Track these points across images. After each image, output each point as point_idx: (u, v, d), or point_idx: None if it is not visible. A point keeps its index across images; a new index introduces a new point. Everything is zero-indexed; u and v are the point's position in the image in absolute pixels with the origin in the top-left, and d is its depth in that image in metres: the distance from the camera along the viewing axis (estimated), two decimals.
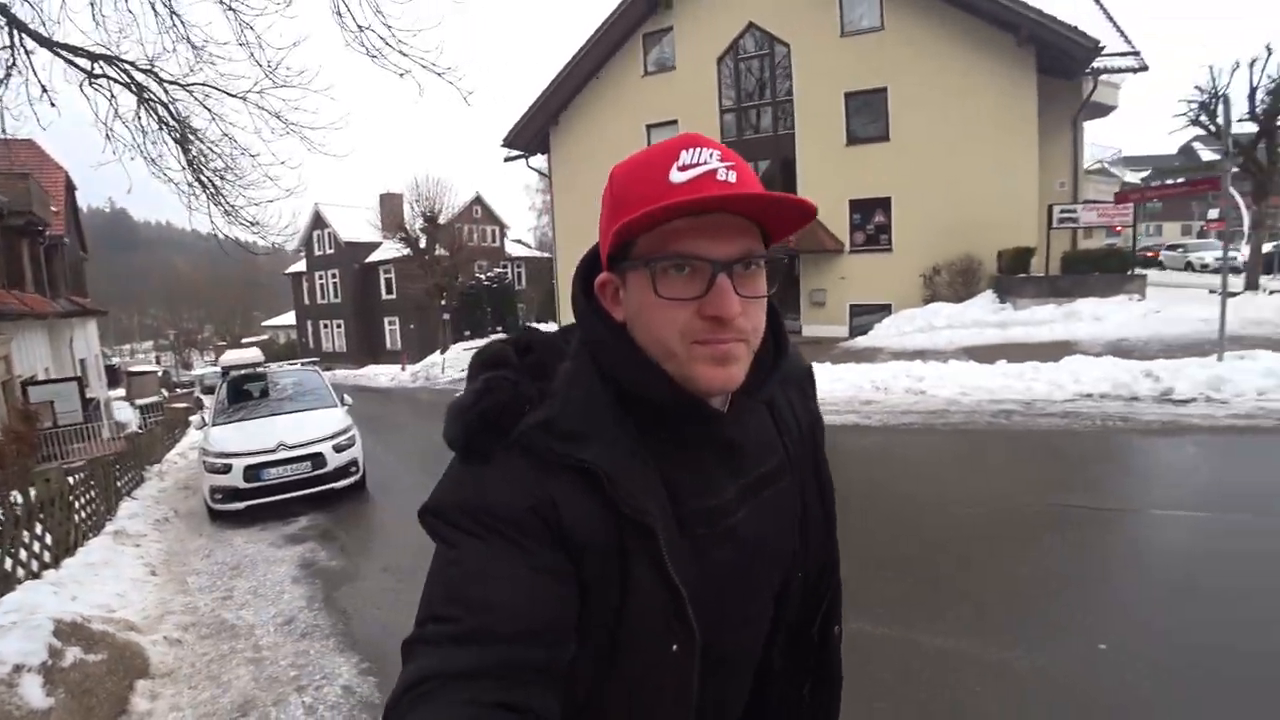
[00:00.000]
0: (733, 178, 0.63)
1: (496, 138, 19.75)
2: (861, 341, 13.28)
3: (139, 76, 5.94)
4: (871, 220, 15.07)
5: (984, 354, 9.70)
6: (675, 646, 0.65)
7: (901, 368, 9.28)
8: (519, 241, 40.52)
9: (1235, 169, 9.91)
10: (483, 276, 31.01)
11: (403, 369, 25.42)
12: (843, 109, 15.10)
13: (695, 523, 0.68)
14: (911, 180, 14.15)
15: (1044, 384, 7.78)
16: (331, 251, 34.19)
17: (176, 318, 63.38)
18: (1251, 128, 12.80)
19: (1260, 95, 12.52)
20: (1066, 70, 13.76)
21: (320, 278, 35.48)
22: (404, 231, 27.83)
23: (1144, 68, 14.37)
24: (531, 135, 19.36)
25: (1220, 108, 9.61)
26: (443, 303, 26.88)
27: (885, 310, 14.31)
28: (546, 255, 30.96)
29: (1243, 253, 15.13)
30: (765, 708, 0.84)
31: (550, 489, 0.62)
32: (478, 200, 34.47)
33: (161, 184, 6.47)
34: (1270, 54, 12.50)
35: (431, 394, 17.57)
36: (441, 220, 27.79)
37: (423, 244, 27.38)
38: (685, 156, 0.63)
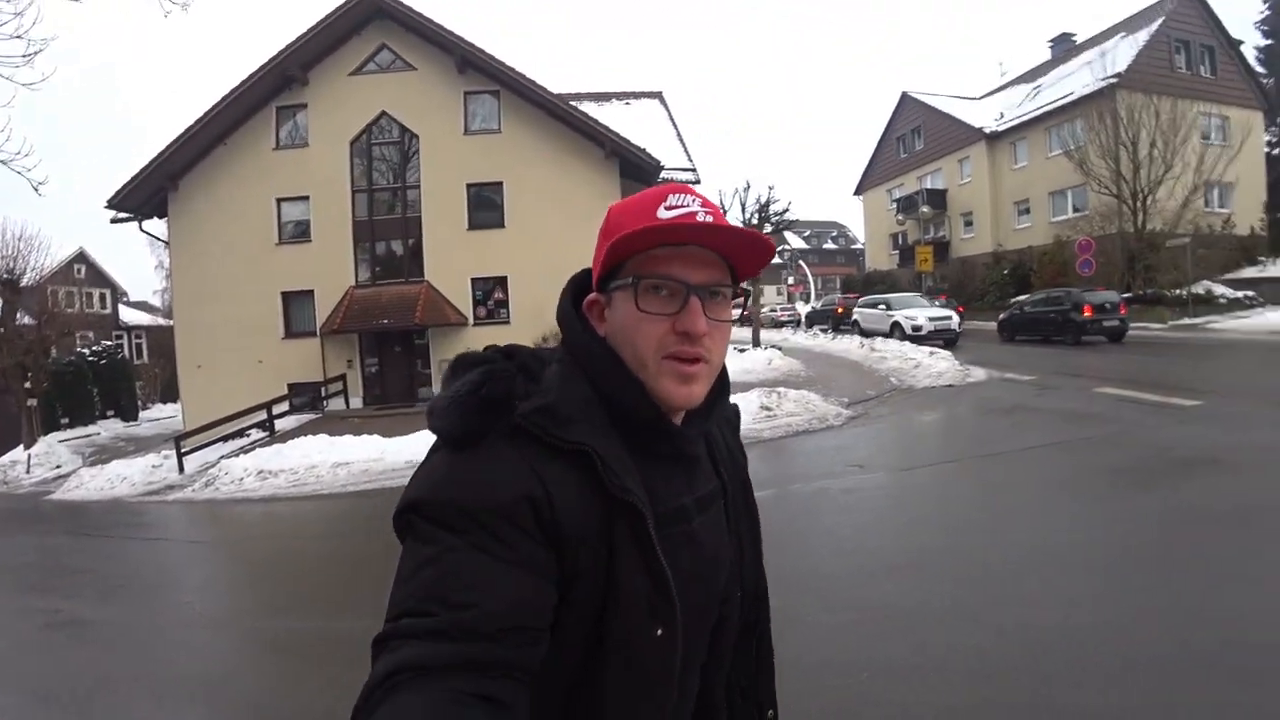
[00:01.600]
0: (709, 218, 0.73)
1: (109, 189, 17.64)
2: None
3: None
4: (491, 296, 17.23)
5: None
6: (660, 630, 0.67)
7: None
8: (141, 305, 35.18)
9: None
10: (86, 350, 26.28)
11: None
12: (465, 197, 17.15)
13: (665, 522, 0.71)
14: (524, 262, 16.60)
15: None
16: None
17: None
18: None
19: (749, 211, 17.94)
20: (642, 177, 17.61)
21: None
22: None
23: (698, 181, 19.14)
24: (145, 198, 17.76)
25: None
26: (27, 385, 22.14)
27: None
28: (173, 323, 27.70)
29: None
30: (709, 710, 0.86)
31: (545, 475, 0.64)
32: (81, 257, 29.60)
33: None
34: (749, 187, 18.23)
35: (6, 501, 14.10)
36: (26, 283, 23.19)
37: None
38: (672, 200, 0.74)
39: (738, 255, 0.75)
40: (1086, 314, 15.48)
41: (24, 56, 4.33)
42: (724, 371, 0.83)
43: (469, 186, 17.13)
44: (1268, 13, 27.96)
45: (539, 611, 0.62)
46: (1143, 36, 25.14)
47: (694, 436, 0.79)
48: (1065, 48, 30.62)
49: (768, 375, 13.35)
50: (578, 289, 0.82)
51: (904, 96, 34.36)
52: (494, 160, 17.00)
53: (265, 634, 4.53)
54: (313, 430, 13.78)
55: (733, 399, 0.91)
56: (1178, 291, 20.09)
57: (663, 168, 17.28)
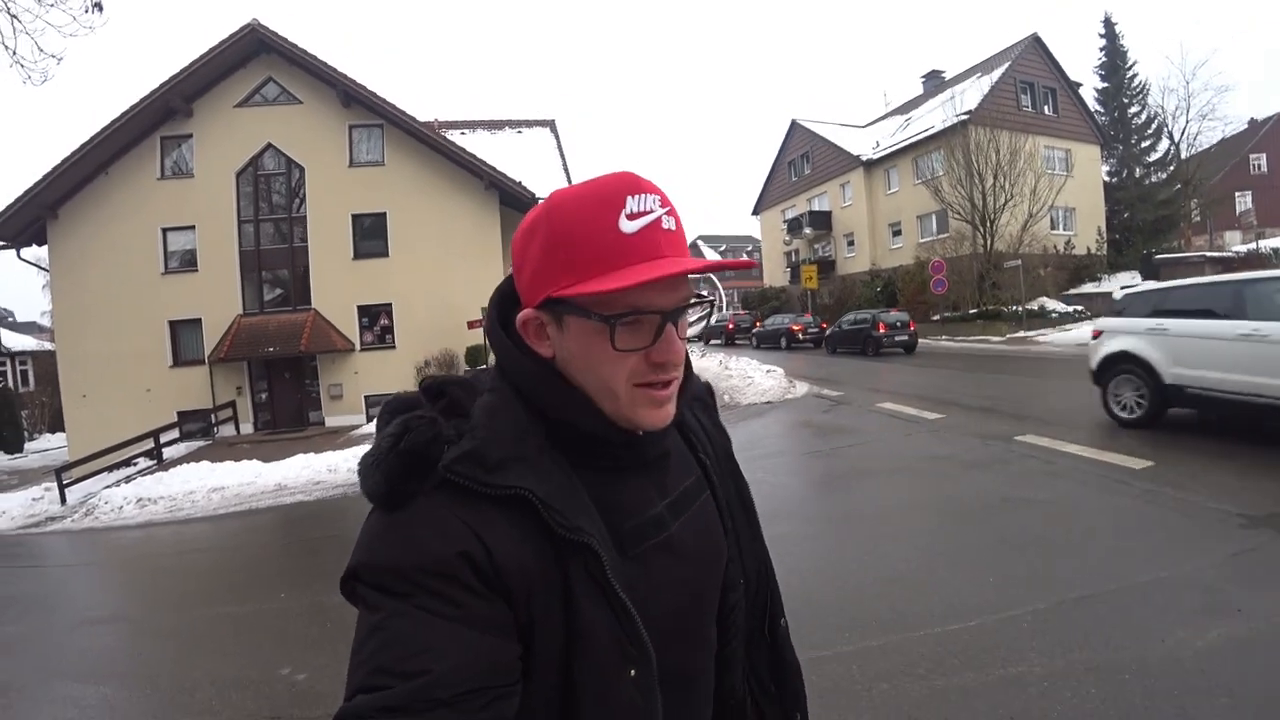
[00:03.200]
0: (672, 224, 0.67)
1: None
2: (374, 427, 15.70)
3: None
4: (377, 323, 18.00)
5: None
6: (633, 671, 0.63)
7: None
8: (29, 327, 33.86)
9: None
10: None
11: None
12: (350, 228, 17.89)
13: (633, 541, 0.68)
14: (408, 289, 17.46)
15: None
16: None
17: None
18: None
19: None
20: (520, 206, 18.64)
21: None
22: None
23: None
24: (22, 226, 17.70)
25: None
26: None
27: None
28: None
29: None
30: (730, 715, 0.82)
31: (479, 527, 0.60)
32: None
33: None
34: None
35: None
36: None
37: None
38: (632, 204, 0.65)
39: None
40: (881, 330, 18.67)
41: None
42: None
43: (354, 217, 17.87)
44: (1104, 58, 31.45)
45: (499, 669, 0.58)
46: (993, 78, 28.05)
47: (657, 438, 0.74)
48: (935, 83, 33.60)
49: None
50: (504, 300, 0.75)
51: (793, 124, 36.83)
52: (378, 192, 17.81)
53: (146, 625, 5.39)
54: (197, 458, 14.24)
55: None
56: (1014, 308, 22.60)
57: (537, 198, 18.45)
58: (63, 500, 13.28)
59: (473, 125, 22.78)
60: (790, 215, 37.10)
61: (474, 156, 17.52)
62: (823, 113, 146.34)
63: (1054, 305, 23.69)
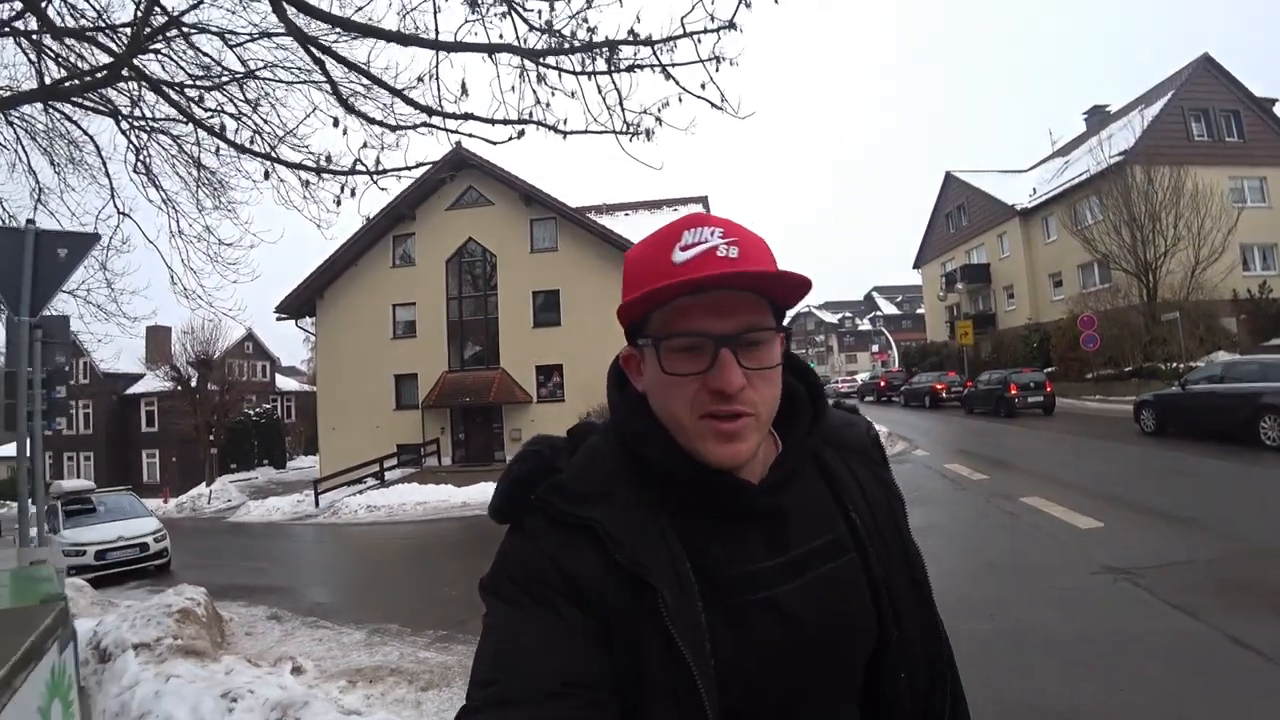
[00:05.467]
0: (734, 253, 0.66)
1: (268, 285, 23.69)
2: None
3: None
4: (550, 380, 21.67)
5: None
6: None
7: None
8: (290, 370, 42.52)
9: None
10: (252, 412, 32.97)
11: (165, 501, 26.55)
12: (530, 302, 21.88)
13: (726, 593, 0.66)
14: (576, 352, 20.92)
15: None
16: (86, 381, 33.85)
17: None
18: None
19: None
20: None
21: (70, 407, 34.69)
22: (174, 370, 29.43)
23: None
24: (301, 304, 23.64)
25: None
26: (211, 437, 28.69)
27: None
28: (315, 389, 33.87)
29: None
30: None
31: (564, 549, 0.65)
32: (250, 336, 36.72)
33: None
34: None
35: (196, 522, 20.27)
36: (214, 360, 29.97)
37: (193, 382, 29.20)
38: (687, 236, 0.67)
39: (771, 288, 0.68)
40: (1012, 392, 18.23)
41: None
42: (817, 391, 0.78)
43: (534, 293, 21.88)
44: None
45: (592, 672, 0.60)
46: (1155, 109, 26.21)
47: (768, 492, 0.70)
48: (1099, 118, 31.88)
49: None
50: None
51: (948, 176, 36.50)
52: (553, 272, 21.68)
53: (365, 573, 9.23)
54: (409, 480, 18.69)
55: None
56: (1173, 364, 21.36)
57: None
58: (316, 504, 18.14)
59: (635, 207, 26.30)
60: (950, 267, 36.54)
61: (627, 239, 20.72)
62: (984, 160, 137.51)
63: (1267, 358, 21.88)
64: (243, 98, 4.75)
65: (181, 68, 4.83)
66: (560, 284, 21.65)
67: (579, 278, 21.32)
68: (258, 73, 4.65)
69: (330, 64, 3.71)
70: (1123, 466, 9.83)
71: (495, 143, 3.77)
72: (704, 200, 26.78)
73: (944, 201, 37.51)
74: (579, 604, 0.63)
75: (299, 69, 4.47)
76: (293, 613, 7.29)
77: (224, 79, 4.70)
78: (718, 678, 0.62)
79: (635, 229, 22.21)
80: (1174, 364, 21.56)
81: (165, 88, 4.57)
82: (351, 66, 3.69)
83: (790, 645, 0.67)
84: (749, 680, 0.65)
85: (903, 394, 28.37)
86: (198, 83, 4.77)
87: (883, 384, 31.76)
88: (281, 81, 4.70)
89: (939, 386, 24.64)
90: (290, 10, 2.92)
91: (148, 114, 5.14)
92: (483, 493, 14.92)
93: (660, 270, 0.66)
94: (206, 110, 4.84)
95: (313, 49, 3.55)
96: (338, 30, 3.55)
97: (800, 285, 0.67)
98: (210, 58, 4.77)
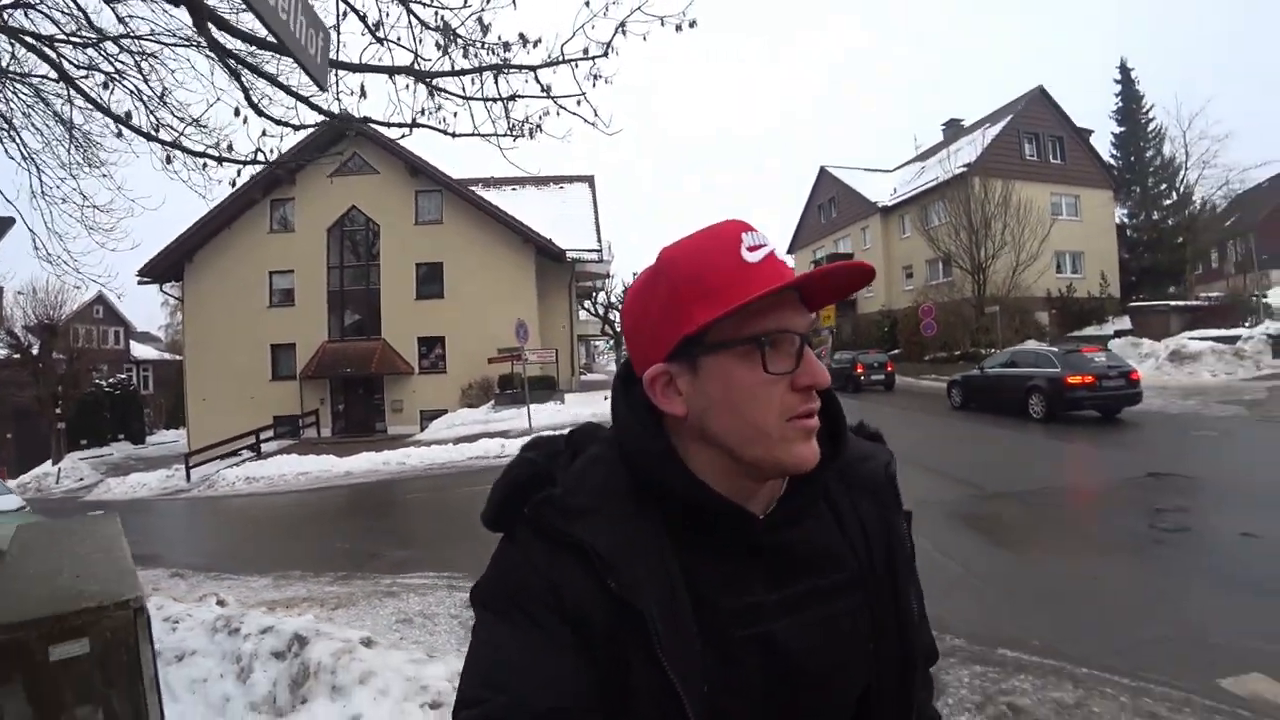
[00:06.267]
0: (789, 260, 1.01)
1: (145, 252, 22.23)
2: (424, 435, 19.49)
3: None
4: (433, 352, 22.03)
5: (466, 437, 16.53)
6: None
7: (422, 451, 15.58)
8: (146, 337, 39.30)
9: None
10: (104, 383, 30.73)
11: (3, 480, 24.49)
12: (414, 273, 22.02)
13: (723, 624, 0.64)
14: (458, 325, 21.38)
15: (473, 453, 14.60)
16: None
17: None
18: None
19: None
20: (552, 257, 22.36)
21: None
22: (11, 336, 27.00)
23: (602, 262, 23.91)
24: (167, 268, 22.46)
25: None
26: (58, 411, 26.63)
27: (443, 413, 20.85)
28: (179, 358, 31.41)
29: None
30: None
31: (555, 566, 0.63)
32: (100, 299, 33.50)
33: None
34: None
35: (45, 504, 18.75)
36: (59, 325, 27.66)
37: (35, 351, 26.94)
38: (748, 239, 0.66)
39: (812, 291, 0.68)
40: (859, 370, 20.59)
41: None
42: (838, 419, 0.74)
43: (417, 265, 22.03)
44: (1120, 104, 32.96)
45: (580, 694, 0.59)
46: (995, 130, 30.01)
47: (773, 527, 0.68)
48: (954, 130, 35.65)
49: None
50: (627, 369, 0.74)
51: (822, 171, 39.45)
52: (437, 244, 21.92)
53: (251, 541, 9.45)
54: (288, 452, 18.50)
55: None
56: (992, 350, 24.72)
57: (565, 252, 22.09)
58: (188, 478, 17.67)
59: (523, 182, 26.69)
60: (819, 255, 39.49)
61: (511, 217, 21.37)
62: (859, 156, 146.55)
63: (1038, 348, 25.60)
64: (132, 67, 4.84)
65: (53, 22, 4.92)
66: (444, 256, 21.94)
67: (464, 250, 21.71)
68: (142, 38, 4.79)
69: (242, 71, 4.04)
70: (925, 433, 11.98)
71: (390, 130, 4.22)
72: (590, 180, 27.66)
73: (817, 194, 40.48)
74: (569, 622, 0.61)
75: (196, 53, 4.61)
76: (193, 570, 7.62)
77: (100, 38, 4.79)
78: (707, 709, 0.61)
79: (523, 204, 22.84)
80: (993, 350, 24.90)
81: (29, 37, 4.61)
82: (260, 74, 4.07)
83: (782, 681, 0.66)
84: (738, 714, 0.64)
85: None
86: (71, 37, 4.86)
87: (860, 369, 30.98)
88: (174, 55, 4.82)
89: (859, 369, 25.16)
90: (212, 27, 3.36)
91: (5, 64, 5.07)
92: (367, 462, 15.09)
93: (737, 266, 0.64)
94: (79, 67, 4.94)
95: (230, 61, 3.83)
96: (252, 48, 3.90)
97: (843, 288, 0.69)
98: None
